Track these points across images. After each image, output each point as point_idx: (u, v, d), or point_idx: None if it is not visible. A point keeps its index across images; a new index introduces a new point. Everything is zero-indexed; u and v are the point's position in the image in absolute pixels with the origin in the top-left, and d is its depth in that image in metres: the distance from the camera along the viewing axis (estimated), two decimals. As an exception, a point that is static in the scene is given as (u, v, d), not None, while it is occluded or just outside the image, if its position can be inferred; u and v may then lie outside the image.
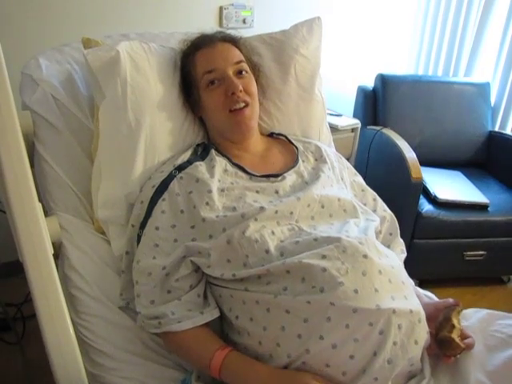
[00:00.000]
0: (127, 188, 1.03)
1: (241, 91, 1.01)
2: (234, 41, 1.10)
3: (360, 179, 1.20)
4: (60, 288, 0.71)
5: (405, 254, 1.12)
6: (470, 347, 0.86)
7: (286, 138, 1.18)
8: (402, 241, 1.13)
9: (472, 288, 2.16)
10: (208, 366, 0.82)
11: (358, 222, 0.97)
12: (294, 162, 1.08)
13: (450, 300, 0.92)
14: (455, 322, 0.85)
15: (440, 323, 0.87)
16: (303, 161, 1.10)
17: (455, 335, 0.83)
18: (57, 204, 1.07)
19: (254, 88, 1.07)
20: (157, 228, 0.94)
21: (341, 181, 1.11)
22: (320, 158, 1.11)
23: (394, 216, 1.15)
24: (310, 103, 1.27)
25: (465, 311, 0.96)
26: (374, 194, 1.18)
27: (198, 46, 1.08)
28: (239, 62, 1.06)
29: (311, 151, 1.14)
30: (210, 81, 1.03)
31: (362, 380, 0.75)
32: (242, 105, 1.02)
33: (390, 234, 1.12)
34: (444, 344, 0.84)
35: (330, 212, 0.98)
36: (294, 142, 1.15)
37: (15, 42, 1.69)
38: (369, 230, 0.94)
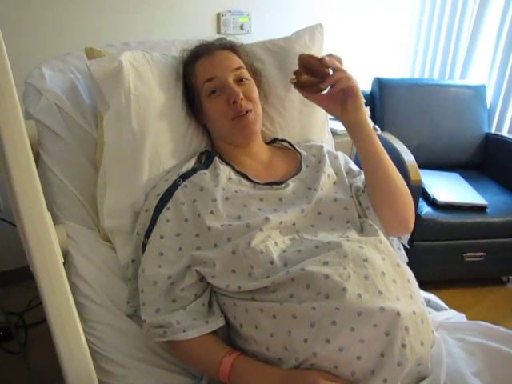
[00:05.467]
0: (132, 197, 1.03)
1: (242, 99, 1.01)
2: (232, 48, 1.10)
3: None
4: (71, 296, 0.72)
5: None
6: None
7: (290, 143, 1.18)
8: None
9: (472, 289, 2.18)
10: (217, 371, 0.82)
11: (358, 225, 0.97)
12: (297, 168, 1.09)
13: None
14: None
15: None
16: (307, 166, 1.10)
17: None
18: (62, 213, 1.08)
19: (255, 94, 1.07)
20: (161, 237, 0.94)
21: (345, 175, 1.08)
22: (322, 158, 1.11)
23: None
24: (313, 109, 1.27)
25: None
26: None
27: (197, 55, 1.08)
28: (238, 69, 1.06)
29: (313, 154, 1.14)
30: (212, 90, 1.03)
31: (372, 382, 0.75)
32: (245, 112, 1.02)
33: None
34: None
35: (329, 215, 0.98)
36: (297, 148, 1.16)
37: (16, 52, 1.70)
38: (368, 231, 0.94)
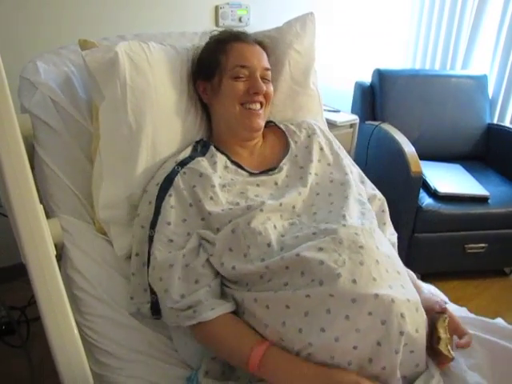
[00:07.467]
0: (129, 188, 1.03)
1: (261, 94, 1.06)
2: (265, 48, 1.14)
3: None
4: (63, 288, 0.72)
5: (396, 235, 1.13)
6: (465, 346, 0.85)
7: (275, 124, 1.20)
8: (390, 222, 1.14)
9: (474, 281, 2.17)
10: (245, 361, 0.79)
11: (357, 196, 1.01)
12: (285, 148, 1.11)
13: (437, 306, 0.89)
14: (441, 332, 0.83)
15: (428, 332, 0.84)
16: (296, 141, 1.13)
17: (443, 347, 0.81)
18: (58, 206, 1.08)
19: (271, 93, 1.11)
20: (168, 223, 0.94)
21: (338, 156, 1.13)
22: (313, 134, 1.14)
23: (383, 196, 1.15)
24: (305, 97, 1.28)
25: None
26: (362, 174, 1.18)
27: (236, 37, 1.10)
28: (268, 69, 1.10)
29: (304, 128, 1.17)
30: (240, 76, 1.05)
31: (370, 370, 0.75)
32: (258, 106, 1.06)
33: (383, 211, 1.12)
34: (433, 354, 0.83)
35: (328, 192, 1.02)
36: (280, 126, 1.18)
37: (11, 46, 1.70)
38: (366, 216, 0.95)
